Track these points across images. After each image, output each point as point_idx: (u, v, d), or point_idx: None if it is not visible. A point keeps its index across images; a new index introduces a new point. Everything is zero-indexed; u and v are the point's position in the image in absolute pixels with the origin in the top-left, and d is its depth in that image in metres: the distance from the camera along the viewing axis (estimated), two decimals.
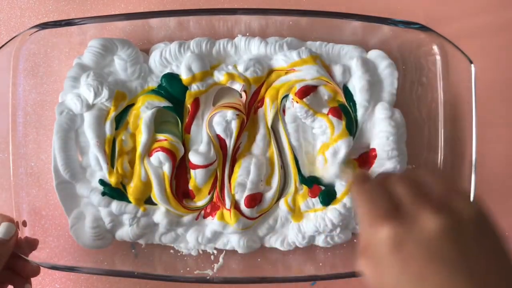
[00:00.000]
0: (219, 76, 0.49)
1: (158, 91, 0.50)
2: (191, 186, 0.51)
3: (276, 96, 0.50)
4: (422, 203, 0.30)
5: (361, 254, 0.32)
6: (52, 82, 0.51)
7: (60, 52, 0.51)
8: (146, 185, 0.50)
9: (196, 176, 0.50)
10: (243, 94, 0.50)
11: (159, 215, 0.50)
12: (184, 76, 0.49)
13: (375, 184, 0.33)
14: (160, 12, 0.49)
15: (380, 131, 0.50)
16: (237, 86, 0.49)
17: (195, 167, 0.50)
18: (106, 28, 0.51)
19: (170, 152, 0.49)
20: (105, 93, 0.48)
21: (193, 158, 0.50)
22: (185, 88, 0.50)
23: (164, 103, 0.49)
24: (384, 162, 0.50)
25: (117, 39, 0.50)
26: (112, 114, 0.49)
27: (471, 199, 0.33)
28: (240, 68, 0.50)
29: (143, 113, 0.50)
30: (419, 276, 0.28)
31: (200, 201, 0.51)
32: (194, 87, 0.50)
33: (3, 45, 0.48)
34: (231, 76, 0.49)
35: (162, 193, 0.50)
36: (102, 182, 0.50)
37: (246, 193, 0.50)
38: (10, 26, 0.56)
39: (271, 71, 0.51)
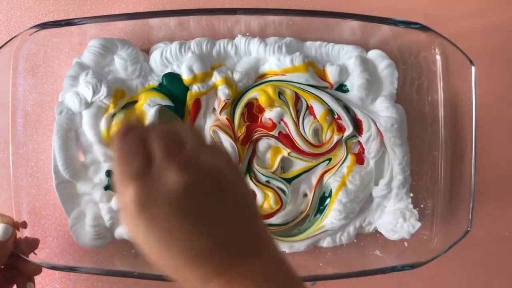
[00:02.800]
0: (217, 77, 0.49)
1: (159, 89, 0.50)
2: None
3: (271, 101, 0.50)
4: (169, 160, 0.30)
5: (121, 213, 0.32)
6: (52, 82, 0.51)
7: (60, 52, 0.51)
8: None
9: None
10: (221, 103, 0.50)
11: None
12: (185, 77, 0.49)
13: (134, 138, 0.32)
14: (160, 12, 0.49)
15: (384, 116, 0.50)
16: (224, 94, 0.49)
17: None
18: (106, 28, 0.51)
19: None
20: (103, 90, 0.48)
21: None
22: (186, 89, 0.50)
23: (166, 101, 0.49)
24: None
25: (117, 39, 0.50)
26: (111, 111, 0.49)
27: (220, 152, 0.33)
28: (236, 76, 0.50)
29: (147, 111, 0.50)
30: (166, 233, 0.28)
31: None
32: (195, 88, 0.50)
33: (3, 45, 0.48)
34: (226, 81, 0.49)
35: None
36: (109, 173, 0.50)
37: None
38: (10, 26, 0.56)
39: (262, 75, 0.51)
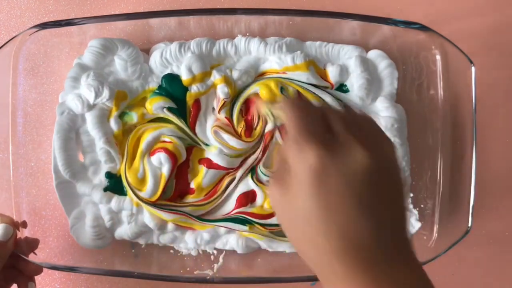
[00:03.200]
0: (217, 76, 0.49)
1: (160, 93, 0.50)
2: (194, 184, 0.51)
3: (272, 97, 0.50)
4: (354, 137, 0.29)
5: (276, 176, 0.30)
6: (52, 82, 0.51)
7: (60, 52, 0.51)
8: (141, 182, 0.50)
9: (206, 175, 0.50)
10: (220, 102, 0.50)
11: (147, 217, 0.50)
12: (185, 77, 0.49)
13: (311, 108, 0.31)
14: (160, 12, 0.49)
15: (384, 116, 0.50)
16: (223, 93, 0.49)
17: (213, 166, 0.50)
18: (106, 28, 0.51)
19: (172, 155, 0.49)
20: (105, 93, 0.48)
21: (217, 158, 0.50)
22: (185, 89, 0.50)
23: (169, 103, 0.50)
24: None
25: (117, 39, 0.50)
26: (115, 113, 0.49)
27: (394, 146, 0.32)
28: (235, 74, 0.50)
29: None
30: (333, 212, 0.27)
31: (196, 199, 0.51)
32: (194, 88, 0.50)
33: (3, 45, 0.48)
34: (225, 80, 0.49)
35: (153, 193, 0.49)
36: (108, 174, 0.50)
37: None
38: (10, 26, 0.56)
39: (262, 73, 0.51)
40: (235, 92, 0.50)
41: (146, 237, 0.51)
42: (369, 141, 0.29)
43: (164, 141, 0.50)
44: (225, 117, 0.50)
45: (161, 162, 0.49)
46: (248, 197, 0.51)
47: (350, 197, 0.27)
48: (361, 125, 0.31)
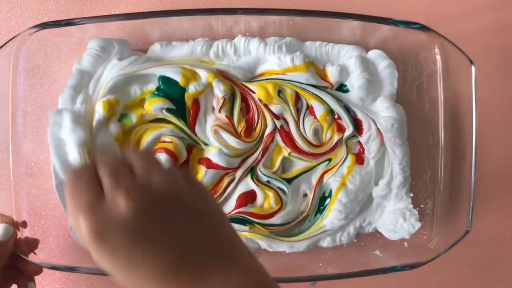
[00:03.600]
0: (205, 73, 0.49)
1: (158, 94, 0.50)
2: None
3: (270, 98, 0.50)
4: (117, 186, 0.30)
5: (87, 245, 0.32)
6: (52, 82, 0.51)
7: (60, 52, 0.51)
8: None
9: (205, 175, 0.50)
10: (220, 100, 0.50)
11: None
12: (177, 78, 0.49)
13: (84, 175, 0.32)
14: (160, 12, 0.49)
15: (384, 116, 0.50)
16: (220, 90, 0.49)
17: (213, 166, 0.50)
18: (106, 28, 0.51)
19: (173, 155, 0.49)
20: (99, 113, 0.48)
21: (216, 158, 0.50)
22: (184, 89, 0.50)
23: (167, 104, 0.49)
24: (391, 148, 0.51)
25: (116, 40, 0.50)
26: (113, 118, 0.49)
27: (175, 172, 0.33)
28: (232, 70, 0.50)
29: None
30: (128, 258, 0.29)
31: None
32: (192, 88, 0.50)
33: (3, 45, 0.48)
34: (216, 75, 0.49)
35: None
36: None
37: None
38: (10, 26, 0.56)
39: (262, 74, 0.51)
40: (233, 90, 0.50)
41: None
42: (138, 181, 0.31)
43: (164, 141, 0.50)
44: (226, 116, 0.50)
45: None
46: (248, 197, 0.51)
47: (131, 240, 0.29)
48: (130, 166, 0.32)
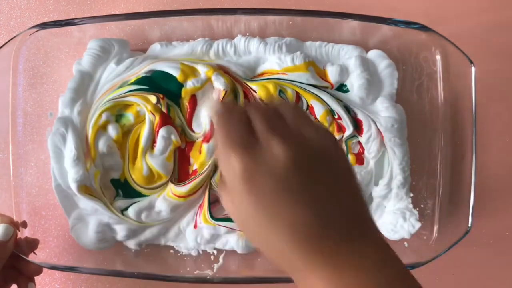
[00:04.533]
0: (204, 68, 0.49)
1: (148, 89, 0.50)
2: (198, 164, 0.50)
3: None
4: (272, 132, 0.29)
5: (220, 187, 0.31)
6: (52, 82, 0.51)
7: (60, 52, 0.51)
8: (149, 178, 0.50)
9: (208, 152, 0.50)
10: (220, 93, 0.50)
11: (160, 201, 0.50)
12: (176, 74, 0.49)
13: (235, 113, 0.31)
14: (159, 12, 0.49)
15: (384, 116, 0.50)
16: (220, 83, 0.49)
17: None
18: (106, 28, 0.51)
19: (167, 119, 0.50)
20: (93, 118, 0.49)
21: None
22: (181, 85, 0.50)
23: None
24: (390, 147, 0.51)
25: (116, 40, 0.50)
26: (111, 122, 0.50)
27: (324, 129, 0.33)
28: (232, 67, 0.50)
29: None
30: (273, 208, 0.28)
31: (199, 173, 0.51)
32: (190, 84, 0.50)
33: (3, 45, 0.48)
34: (215, 69, 0.49)
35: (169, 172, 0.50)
36: (114, 181, 0.51)
37: None
38: (10, 26, 0.56)
39: (262, 73, 0.51)
40: (233, 85, 0.50)
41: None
42: (291, 131, 0.30)
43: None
44: None
45: (165, 137, 0.49)
46: None
47: (282, 190, 0.28)
48: (283, 116, 0.32)
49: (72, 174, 0.48)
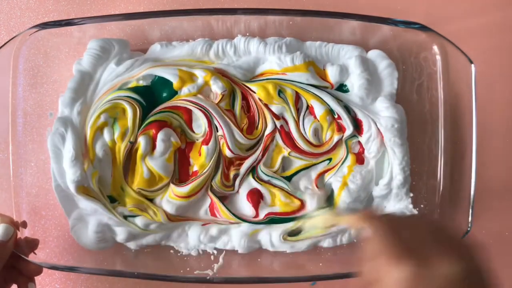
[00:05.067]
0: (202, 73, 0.49)
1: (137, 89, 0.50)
2: (198, 165, 0.51)
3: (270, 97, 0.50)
4: (438, 247, 0.31)
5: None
6: (52, 82, 0.51)
7: (60, 52, 0.51)
8: (150, 180, 0.50)
9: (208, 154, 0.50)
10: (217, 96, 0.50)
11: (165, 204, 0.50)
12: (174, 80, 0.50)
13: (387, 223, 0.33)
14: (159, 12, 0.49)
15: (384, 116, 0.50)
16: (218, 87, 0.49)
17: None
18: (106, 28, 0.51)
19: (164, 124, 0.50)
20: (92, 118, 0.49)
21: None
22: (175, 93, 0.50)
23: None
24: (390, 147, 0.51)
25: (116, 40, 0.50)
26: (107, 126, 0.50)
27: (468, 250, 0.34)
28: (231, 70, 0.50)
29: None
30: None
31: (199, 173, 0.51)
32: (185, 91, 0.50)
33: (3, 45, 0.48)
34: (213, 73, 0.49)
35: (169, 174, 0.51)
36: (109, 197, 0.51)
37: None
38: (10, 26, 0.56)
39: (262, 73, 0.51)
40: (232, 88, 0.50)
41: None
42: (451, 249, 0.32)
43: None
44: (227, 109, 0.51)
45: (164, 139, 0.50)
46: (256, 194, 0.51)
47: None
48: (430, 235, 0.33)
49: (70, 175, 0.48)
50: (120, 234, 0.50)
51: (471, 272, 0.31)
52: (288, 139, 0.51)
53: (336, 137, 0.51)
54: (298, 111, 0.51)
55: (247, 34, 0.51)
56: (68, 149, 0.48)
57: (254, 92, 0.51)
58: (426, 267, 0.30)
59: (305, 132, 0.51)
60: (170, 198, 0.50)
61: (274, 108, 0.50)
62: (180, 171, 0.52)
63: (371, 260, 0.33)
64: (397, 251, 0.31)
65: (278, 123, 0.51)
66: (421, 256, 0.31)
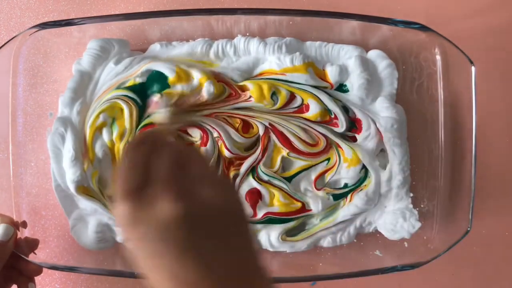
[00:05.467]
0: (198, 75, 0.49)
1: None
2: None
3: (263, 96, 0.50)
4: (168, 186, 0.30)
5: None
6: (52, 82, 0.51)
7: (60, 52, 0.51)
8: None
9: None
10: (206, 95, 0.50)
11: None
12: (170, 75, 0.49)
13: (142, 152, 0.32)
14: (159, 12, 0.49)
15: (384, 116, 0.50)
16: (208, 92, 0.49)
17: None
18: (106, 28, 0.51)
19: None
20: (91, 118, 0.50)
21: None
22: (167, 86, 0.50)
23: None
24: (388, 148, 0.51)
25: (116, 40, 0.50)
26: (106, 125, 0.50)
27: (227, 187, 0.34)
28: (229, 72, 0.50)
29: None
30: (151, 255, 0.29)
31: None
32: (178, 87, 0.50)
33: (3, 45, 0.48)
34: (209, 77, 0.49)
35: None
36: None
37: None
38: (10, 26, 0.56)
39: (261, 73, 0.51)
40: (224, 91, 0.50)
41: None
42: (189, 185, 0.30)
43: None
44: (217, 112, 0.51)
45: None
46: (255, 194, 0.51)
47: (166, 241, 0.29)
48: (189, 165, 0.32)
49: (69, 175, 0.48)
50: (120, 234, 0.50)
51: (200, 210, 0.30)
52: (284, 139, 0.51)
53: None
54: (285, 110, 0.51)
55: (247, 34, 0.51)
56: (68, 149, 0.48)
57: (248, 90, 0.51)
58: (144, 205, 0.29)
59: (296, 132, 0.51)
60: None
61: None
62: None
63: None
64: (124, 185, 0.30)
65: (265, 122, 0.51)
66: (145, 194, 0.30)
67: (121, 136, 0.50)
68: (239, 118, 0.51)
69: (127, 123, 0.50)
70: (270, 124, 0.51)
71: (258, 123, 0.51)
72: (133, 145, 0.33)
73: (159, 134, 0.37)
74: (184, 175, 0.31)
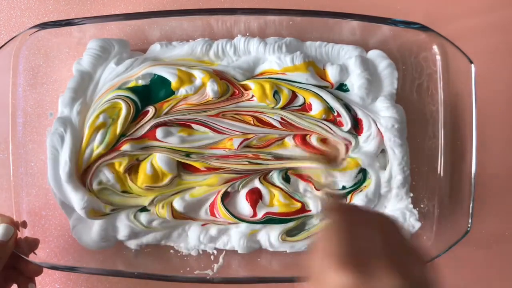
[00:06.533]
0: (201, 74, 0.49)
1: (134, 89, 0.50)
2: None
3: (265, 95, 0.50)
4: (387, 259, 0.29)
5: (309, 280, 0.31)
6: (52, 82, 0.51)
7: (60, 52, 0.51)
8: (153, 177, 0.50)
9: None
10: (211, 94, 0.50)
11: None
12: (172, 80, 0.49)
13: (344, 218, 0.32)
14: (159, 12, 0.49)
15: (384, 116, 0.50)
16: (212, 91, 0.49)
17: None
18: (106, 28, 0.51)
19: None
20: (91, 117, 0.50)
21: None
22: (172, 93, 0.50)
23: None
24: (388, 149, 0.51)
25: (116, 40, 0.50)
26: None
27: (425, 264, 0.33)
28: (231, 71, 0.50)
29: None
30: None
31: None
32: (182, 92, 0.50)
33: (3, 45, 0.48)
34: (212, 76, 0.49)
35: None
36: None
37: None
38: (10, 26, 0.56)
39: (261, 73, 0.51)
40: (227, 90, 0.50)
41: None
42: (398, 261, 0.30)
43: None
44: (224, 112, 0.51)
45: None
46: (255, 194, 0.51)
47: None
48: (388, 235, 0.32)
49: (77, 201, 0.48)
50: (122, 231, 0.50)
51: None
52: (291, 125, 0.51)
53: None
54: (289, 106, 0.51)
55: (247, 34, 0.51)
56: (65, 160, 0.48)
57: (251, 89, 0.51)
58: (369, 278, 0.28)
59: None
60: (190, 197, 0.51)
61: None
62: (184, 166, 0.52)
63: (318, 255, 0.31)
64: (345, 253, 0.29)
65: (277, 117, 0.51)
66: (367, 265, 0.29)
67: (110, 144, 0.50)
68: (248, 115, 0.51)
69: (119, 122, 0.49)
70: (282, 118, 0.51)
71: (270, 119, 0.51)
72: (336, 210, 0.32)
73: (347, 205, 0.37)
74: (396, 251, 0.31)
